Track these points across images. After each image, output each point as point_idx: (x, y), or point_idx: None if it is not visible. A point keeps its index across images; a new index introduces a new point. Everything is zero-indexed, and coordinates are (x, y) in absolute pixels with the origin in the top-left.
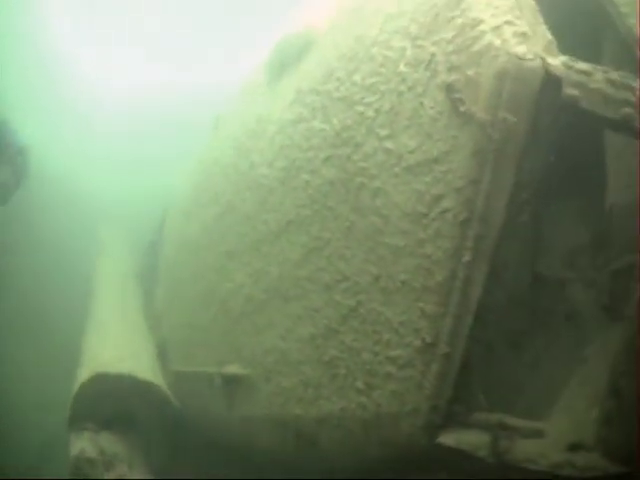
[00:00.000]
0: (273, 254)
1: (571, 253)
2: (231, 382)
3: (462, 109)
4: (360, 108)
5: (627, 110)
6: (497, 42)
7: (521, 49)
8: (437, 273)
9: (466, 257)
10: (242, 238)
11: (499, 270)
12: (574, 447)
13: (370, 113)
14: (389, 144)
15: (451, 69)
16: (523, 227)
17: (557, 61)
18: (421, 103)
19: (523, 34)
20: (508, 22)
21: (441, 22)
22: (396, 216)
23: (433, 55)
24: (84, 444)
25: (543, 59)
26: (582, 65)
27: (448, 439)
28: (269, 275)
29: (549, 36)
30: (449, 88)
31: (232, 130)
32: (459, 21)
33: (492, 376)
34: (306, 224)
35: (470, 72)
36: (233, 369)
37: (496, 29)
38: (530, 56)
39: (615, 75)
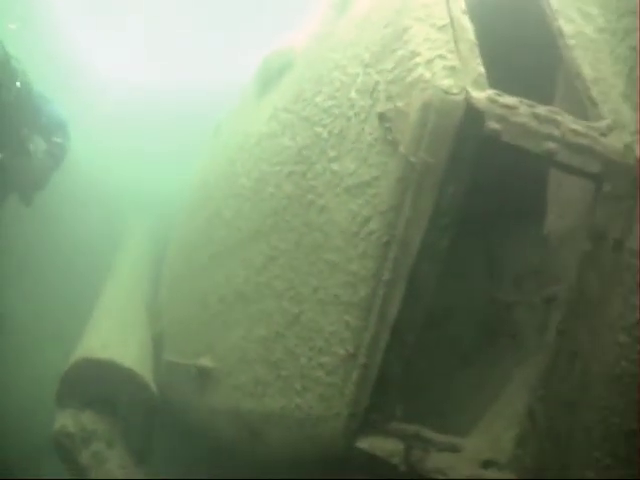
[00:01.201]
0: (243, 259)
1: (520, 276)
2: (203, 374)
3: (390, 138)
4: (318, 129)
5: (550, 144)
6: (427, 75)
7: (447, 82)
8: (361, 289)
9: (386, 276)
10: (223, 242)
11: (419, 290)
12: (487, 464)
13: (324, 134)
14: (335, 165)
15: (388, 98)
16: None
17: (482, 95)
18: (363, 129)
19: (452, 68)
20: (440, 56)
21: (387, 52)
22: (335, 233)
23: (377, 83)
24: (66, 420)
25: (467, 93)
26: (507, 99)
27: (364, 444)
28: (238, 278)
29: (480, 70)
30: (381, 117)
31: (226, 139)
32: (400, 52)
33: (430, 390)
34: (268, 234)
35: (401, 103)
36: (205, 362)
37: (429, 62)
38: (455, 90)
39: (541, 110)
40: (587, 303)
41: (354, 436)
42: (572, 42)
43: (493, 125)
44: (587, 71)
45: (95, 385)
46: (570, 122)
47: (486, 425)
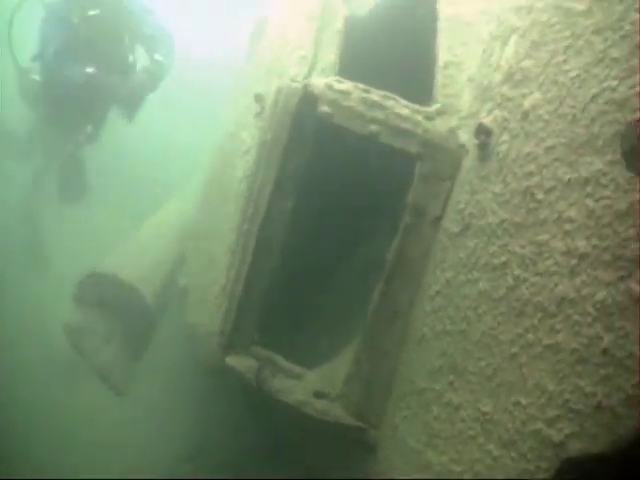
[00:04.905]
0: (203, 200)
1: None
2: (181, 293)
3: (260, 115)
4: (246, 100)
5: (373, 127)
6: (286, 63)
7: (295, 70)
8: (232, 236)
9: (244, 227)
10: (208, 182)
11: (268, 240)
12: (319, 394)
13: (245, 106)
14: (243, 133)
15: (268, 82)
16: None
17: (321, 82)
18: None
19: (303, 57)
20: (299, 46)
21: (282, 39)
22: (233, 189)
23: (272, 66)
24: (76, 316)
25: (308, 80)
26: (343, 85)
27: (231, 360)
28: (203, 218)
29: (331, 58)
30: (257, 97)
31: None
32: (282, 40)
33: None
34: (215, 182)
35: (270, 87)
36: (183, 282)
37: (291, 51)
38: (299, 78)
39: (374, 95)
40: (408, 271)
41: (224, 352)
42: (444, 25)
43: (325, 109)
44: (442, 55)
45: (104, 292)
46: (399, 107)
47: (330, 363)
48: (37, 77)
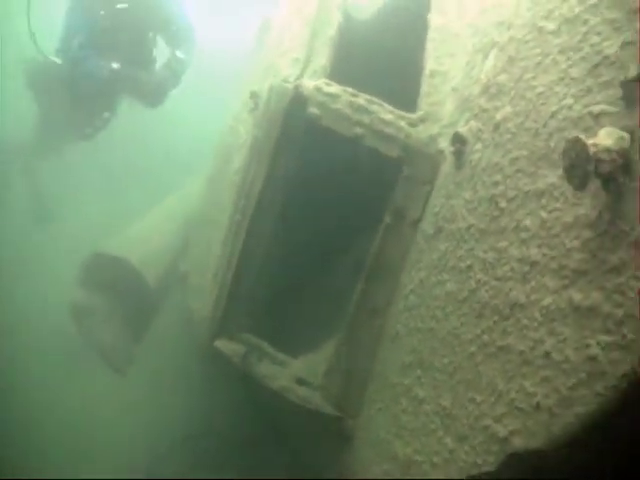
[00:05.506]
0: (209, 185)
1: None
2: (182, 278)
3: (254, 112)
4: (244, 96)
5: (358, 130)
6: (280, 63)
7: (287, 72)
8: (224, 228)
9: (236, 217)
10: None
11: (258, 232)
12: (301, 382)
13: (241, 104)
14: (240, 127)
15: (265, 79)
16: None
17: (311, 84)
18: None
19: (296, 59)
20: (292, 48)
21: (280, 42)
22: (229, 180)
23: (270, 65)
24: (79, 296)
25: (299, 81)
26: (332, 88)
27: (220, 344)
28: (208, 206)
29: (322, 62)
30: (252, 94)
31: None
32: (281, 41)
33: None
34: (215, 174)
35: (265, 85)
36: (183, 267)
37: (285, 52)
38: (291, 79)
39: (361, 100)
40: (387, 270)
41: (214, 336)
42: (433, 35)
43: (314, 110)
44: (429, 64)
45: (108, 273)
46: (384, 112)
47: (314, 353)
48: (58, 60)
